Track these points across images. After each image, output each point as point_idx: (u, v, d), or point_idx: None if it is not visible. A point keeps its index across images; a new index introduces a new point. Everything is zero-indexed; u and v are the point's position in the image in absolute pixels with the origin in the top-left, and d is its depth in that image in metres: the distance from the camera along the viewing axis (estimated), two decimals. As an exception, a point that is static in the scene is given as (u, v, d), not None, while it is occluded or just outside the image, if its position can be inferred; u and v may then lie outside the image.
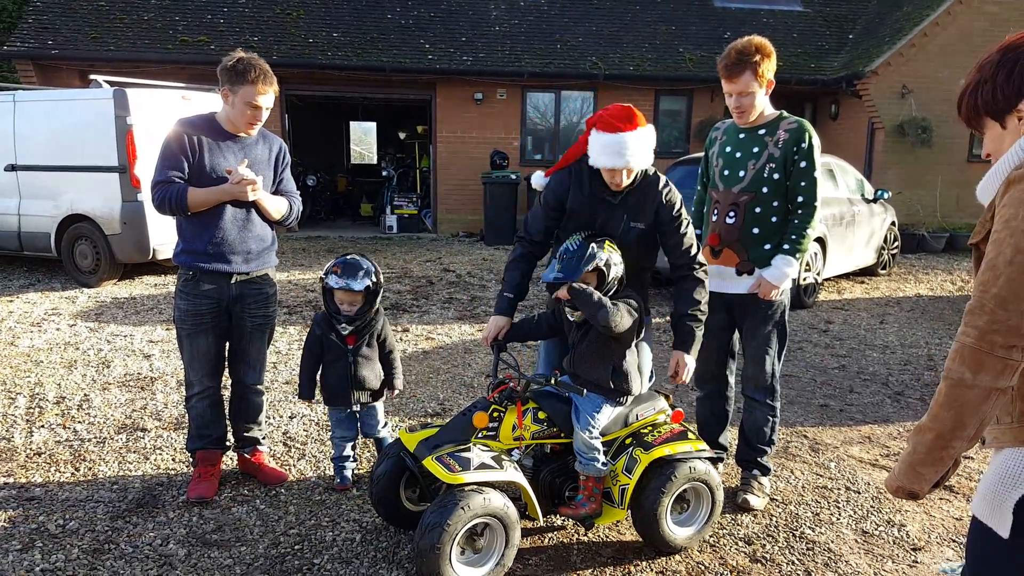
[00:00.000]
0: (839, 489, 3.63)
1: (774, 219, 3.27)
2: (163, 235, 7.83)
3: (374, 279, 3.35)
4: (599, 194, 2.97)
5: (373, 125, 20.13)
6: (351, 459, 3.53)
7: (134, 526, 3.08)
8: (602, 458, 2.86)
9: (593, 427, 2.84)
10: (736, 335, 3.56)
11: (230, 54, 3.19)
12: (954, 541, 3.15)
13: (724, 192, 3.35)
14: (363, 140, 25.59)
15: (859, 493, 3.59)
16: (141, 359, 5.46)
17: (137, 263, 8.18)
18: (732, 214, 3.31)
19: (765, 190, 3.25)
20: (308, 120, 16.74)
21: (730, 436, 3.76)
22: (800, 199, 3.25)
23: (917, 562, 2.99)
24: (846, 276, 9.41)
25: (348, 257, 3.38)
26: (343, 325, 3.35)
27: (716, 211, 3.38)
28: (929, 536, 3.20)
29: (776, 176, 3.23)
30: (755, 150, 3.26)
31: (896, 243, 10.09)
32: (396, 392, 3.57)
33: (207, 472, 3.38)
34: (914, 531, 3.24)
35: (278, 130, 12.29)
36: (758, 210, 3.27)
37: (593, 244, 2.77)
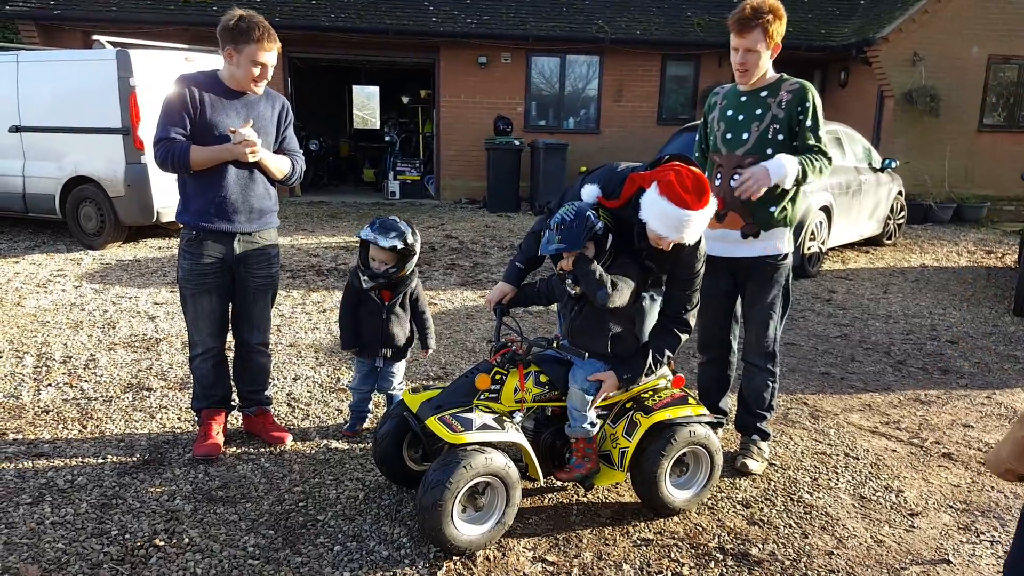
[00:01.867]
0: (838, 455, 3.66)
1: None
2: (167, 197, 7.80)
3: (406, 241, 3.39)
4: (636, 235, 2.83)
5: (376, 89, 19.89)
6: (366, 411, 3.70)
7: (141, 482, 3.13)
8: (591, 417, 2.87)
9: (592, 389, 2.86)
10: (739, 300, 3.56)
11: (229, 13, 3.16)
12: (951, 507, 3.19)
13: (727, 156, 3.32)
14: (366, 105, 25.33)
15: (858, 459, 3.62)
16: (146, 320, 5.49)
17: (141, 225, 8.18)
18: (736, 177, 3.29)
19: (769, 151, 3.22)
20: (311, 84, 16.59)
21: (731, 402, 3.79)
22: (812, 151, 3.21)
23: (914, 527, 3.02)
24: (851, 246, 9.37)
25: (389, 217, 3.48)
26: (365, 279, 3.42)
27: (720, 175, 3.35)
28: (927, 502, 3.23)
29: (780, 137, 3.21)
30: (758, 112, 3.23)
31: (902, 213, 10.02)
32: (430, 351, 3.74)
33: (212, 431, 3.42)
34: (912, 497, 3.27)
35: (281, 93, 12.18)
36: None
37: (590, 212, 2.73)
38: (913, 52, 12.16)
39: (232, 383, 3.58)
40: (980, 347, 5.55)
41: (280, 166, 3.35)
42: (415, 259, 3.50)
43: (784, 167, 3.10)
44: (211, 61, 8.27)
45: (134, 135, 7.56)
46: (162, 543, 2.69)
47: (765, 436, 3.56)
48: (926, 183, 12.34)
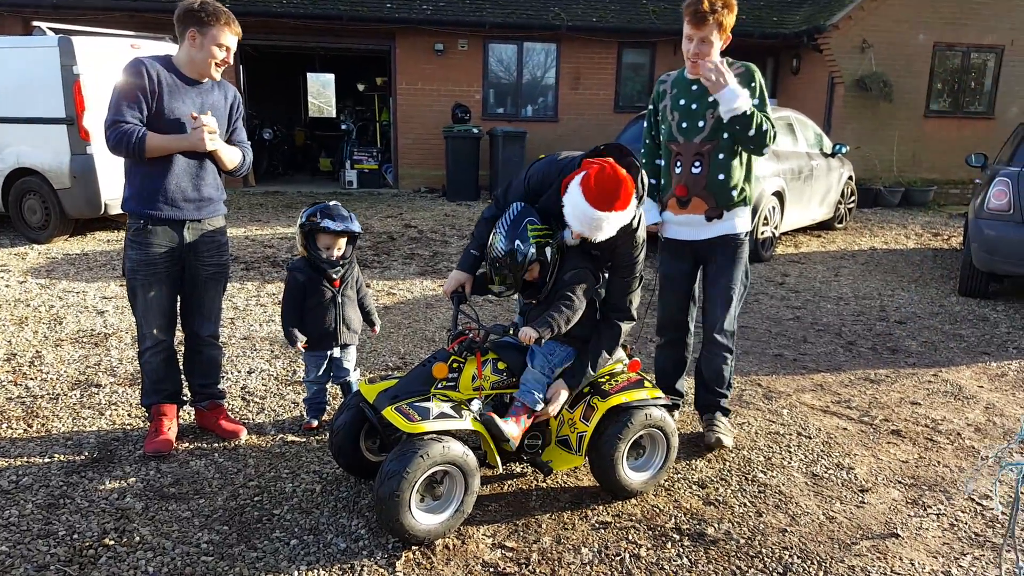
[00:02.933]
0: (791, 435, 3.74)
1: (735, 162, 3.34)
2: (115, 189, 7.58)
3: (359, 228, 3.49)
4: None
5: (331, 77, 19.60)
6: (324, 403, 3.66)
7: (90, 481, 3.04)
8: (542, 393, 2.86)
9: (548, 369, 2.88)
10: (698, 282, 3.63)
11: None
12: (900, 482, 3.28)
13: (686, 144, 3.39)
14: (321, 93, 24.94)
15: (810, 438, 3.71)
16: (94, 315, 5.34)
17: (88, 218, 7.94)
18: (697, 164, 3.36)
19: (726, 136, 3.30)
20: (264, 72, 16.25)
21: (687, 384, 3.84)
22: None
23: (864, 503, 3.10)
24: (803, 230, 9.56)
25: (330, 203, 3.44)
26: (337, 269, 3.43)
27: (679, 163, 3.42)
28: (876, 478, 3.32)
29: None
30: (711, 99, 3.29)
31: (853, 197, 10.25)
32: (376, 330, 3.75)
33: (164, 426, 3.34)
34: (862, 473, 3.36)
35: (233, 81, 11.91)
36: (721, 156, 3.33)
37: (517, 242, 2.72)
38: (862, 39, 12.41)
39: (183, 377, 3.50)
40: (927, 327, 5.72)
41: (232, 157, 3.34)
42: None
43: (736, 93, 3.15)
44: (158, 48, 8.05)
45: (79, 125, 7.31)
46: (112, 542, 2.62)
47: (726, 412, 3.65)
48: (875, 168, 12.64)
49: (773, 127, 3.26)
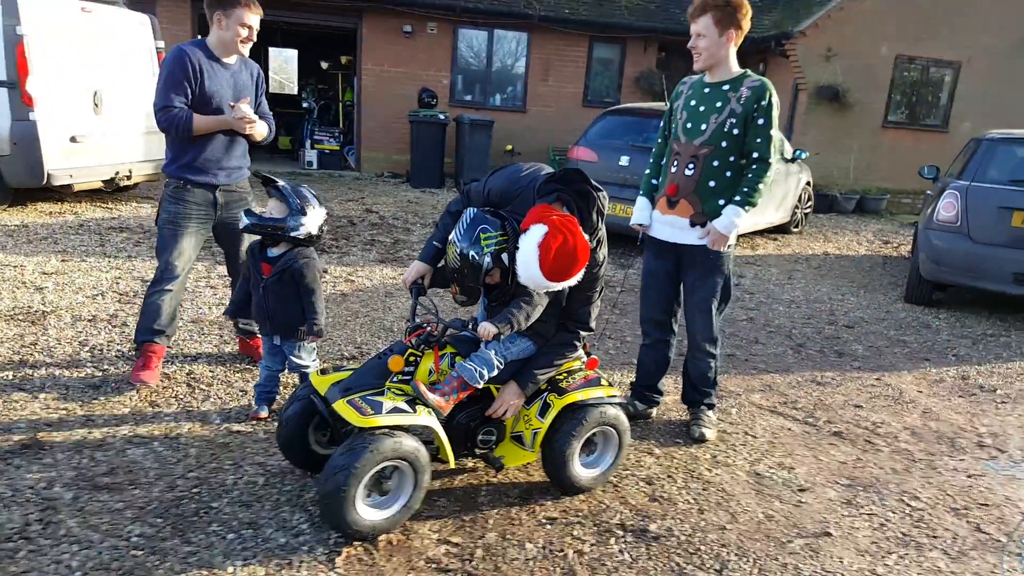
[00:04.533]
0: (738, 434, 3.78)
1: (728, 173, 3.35)
2: (60, 159, 7.30)
3: (296, 200, 3.26)
4: None
5: (294, 53, 19.14)
6: (271, 390, 3.55)
7: (16, 468, 2.90)
8: (486, 374, 2.81)
9: (501, 355, 2.85)
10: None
11: None
12: (837, 483, 3.34)
13: (685, 144, 3.40)
14: (283, 68, 24.37)
15: (756, 437, 3.75)
16: (32, 292, 5.12)
17: (30, 188, 7.60)
18: (691, 166, 3.38)
19: (724, 144, 3.31)
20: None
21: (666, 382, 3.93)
22: (755, 155, 3.32)
23: (802, 502, 3.16)
24: (760, 233, 9.69)
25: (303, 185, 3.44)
26: (242, 215, 3.34)
27: (676, 163, 3.44)
28: (815, 478, 3.38)
29: (735, 132, 3.30)
30: (718, 104, 3.31)
31: (809, 203, 10.43)
32: (311, 339, 3.41)
33: (152, 363, 3.70)
34: (802, 473, 3.41)
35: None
36: (715, 163, 3.33)
37: (472, 253, 2.67)
38: (827, 48, 12.60)
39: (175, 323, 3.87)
40: (873, 332, 5.84)
41: (263, 132, 3.78)
42: (303, 224, 3.26)
43: (733, 221, 3.31)
44: (110, 12, 7.76)
45: (22, 89, 6.97)
46: (34, 535, 2.50)
47: (711, 407, 3.75)
48: (833, 175, 12.88)
49: (766, 166, 3.31)
